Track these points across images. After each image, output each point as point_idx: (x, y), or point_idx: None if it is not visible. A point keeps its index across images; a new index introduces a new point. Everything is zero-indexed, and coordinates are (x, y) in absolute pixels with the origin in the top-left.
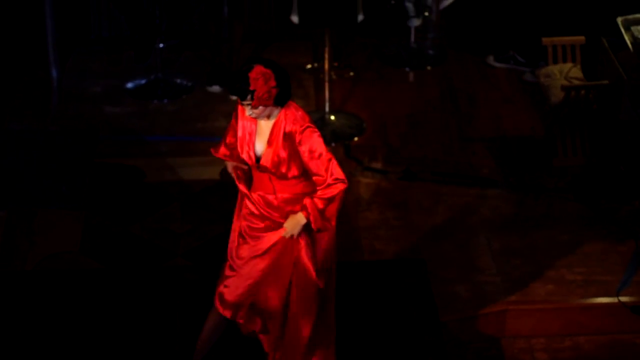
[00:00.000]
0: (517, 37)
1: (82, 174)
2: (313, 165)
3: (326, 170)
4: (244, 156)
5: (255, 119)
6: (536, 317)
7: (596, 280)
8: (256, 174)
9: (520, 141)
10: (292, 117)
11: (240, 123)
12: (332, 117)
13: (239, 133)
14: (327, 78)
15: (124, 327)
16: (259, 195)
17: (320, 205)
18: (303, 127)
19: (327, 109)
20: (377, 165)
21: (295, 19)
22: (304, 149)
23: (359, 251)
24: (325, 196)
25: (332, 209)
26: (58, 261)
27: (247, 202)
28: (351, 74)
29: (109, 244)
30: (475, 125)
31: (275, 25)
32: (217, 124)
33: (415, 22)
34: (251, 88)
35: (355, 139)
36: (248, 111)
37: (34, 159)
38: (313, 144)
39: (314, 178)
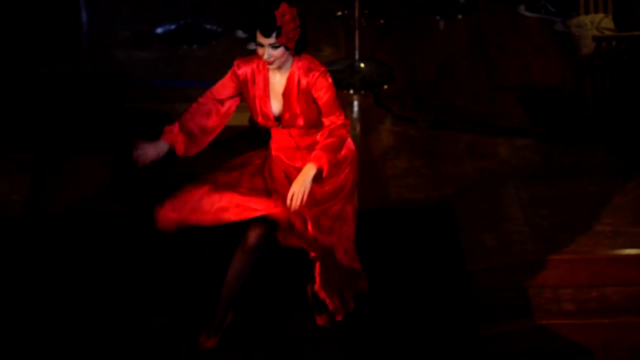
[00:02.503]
0: None
1: (111, 118)
2: (326, 108)
3: (337, 116)
4: (260, 119)
5: (265, 77)
6: (563, 268)
7: (624, 232)
8: (276, 133)
9: (550, 91)
10: (305, 66)
11: (243, 88)
12: (362, 65)
13: (247, 97)
14: (357, 25)
15: (151, 271)
16: (283, 152)
17: (330, 147)
18: (318, 73)
19: (357, 56)
20: (406, 113)
21: None
22: (319, 94)
23: (387, 199)
24: (335, 139)
25: (338, 150)
26: (86, 205)
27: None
28: (381, 21)
29: (137, 188)
30: (505, 74)
31: None
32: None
33: None
34: (278, 24)
35: (385, 86)
36: (266, 55)
37: (64, 103)
38: (327, 88)
39: (325, 119)
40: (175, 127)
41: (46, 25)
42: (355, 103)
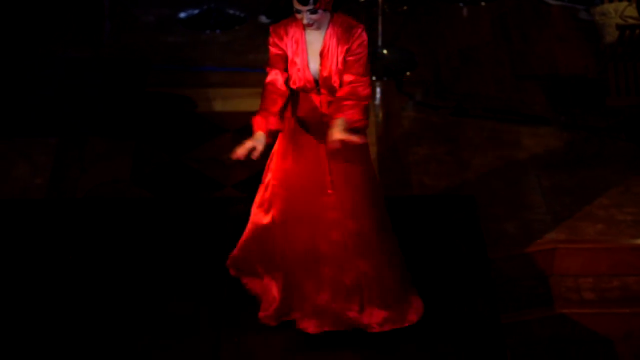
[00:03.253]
0: None
1: (134, 103)
2: (356, 66)
3: (364, 74)
4: (300, 83)
5: (302, 38)
6: (585, 257)
7: None
8: (304, 102)
9: (573, 79)
10: (345, 22)
11: (286, 52)
12: (385, 51)
13: (293, 62)
14: (380, 12)
15: (172, 257)
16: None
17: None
18: (360, 29)
19: (379, 43)
20: (429, 100)
21: None
22: (356, 48)
23: (408, 186)
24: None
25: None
26: (108, 189)
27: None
28: (405, 8)
29: (159, 173)
30: (528, 62)
31: None
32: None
33: None
34: None
35: (407, 73)
36: (306, 19)
37: (86, 87)
38: (364, 43)
39: (349, 77)
40: (262, 115)
41: (69, 9)
42: (378, 90)
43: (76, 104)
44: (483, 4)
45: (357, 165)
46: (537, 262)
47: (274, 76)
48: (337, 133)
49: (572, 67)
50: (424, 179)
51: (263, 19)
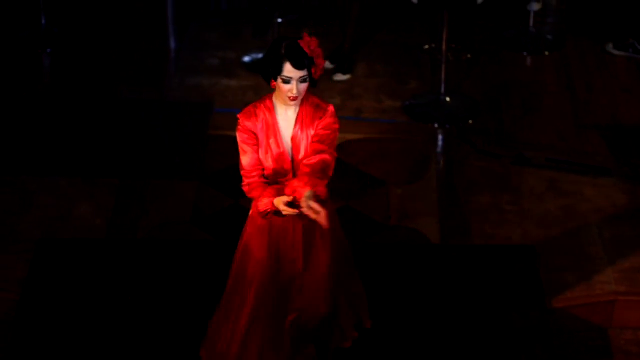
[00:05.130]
0: (638, 25)
1: (196, 145)
2: (328, 141)
3: (334, 152)
4: (276, 166)
5: (274, 122)
6: None
7: None
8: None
9: (637, 131)
10: (314, 101)
11: (258, 139)
12: (448, 99)
13: (267, 147)
14: (444, 59)
15: None
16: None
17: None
18: (329, 108)
19: (442, 90)
20: (490, 148)
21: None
22: (326, 127)
23: (468, 235)
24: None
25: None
26: (169, 231)
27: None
28: (468, 56)
29: (220, 216)
30: (591, 112)
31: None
32: (331, 102)
33: (535, 7)
34: (309, 55)
35: (470, 121)
36: (294, 90)
37: (149, 129)
38: (334, 126)
39: (321, 147)
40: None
41: (133, 51)
42: (440, 137)
43: (139, 145)
44: (547, 53)
45: (329, 239)
46: (597, 314)
47: (253, 166)
48: (316, 205)
49: (635, 118)
50: (485, 227)
51: (327, 64)
